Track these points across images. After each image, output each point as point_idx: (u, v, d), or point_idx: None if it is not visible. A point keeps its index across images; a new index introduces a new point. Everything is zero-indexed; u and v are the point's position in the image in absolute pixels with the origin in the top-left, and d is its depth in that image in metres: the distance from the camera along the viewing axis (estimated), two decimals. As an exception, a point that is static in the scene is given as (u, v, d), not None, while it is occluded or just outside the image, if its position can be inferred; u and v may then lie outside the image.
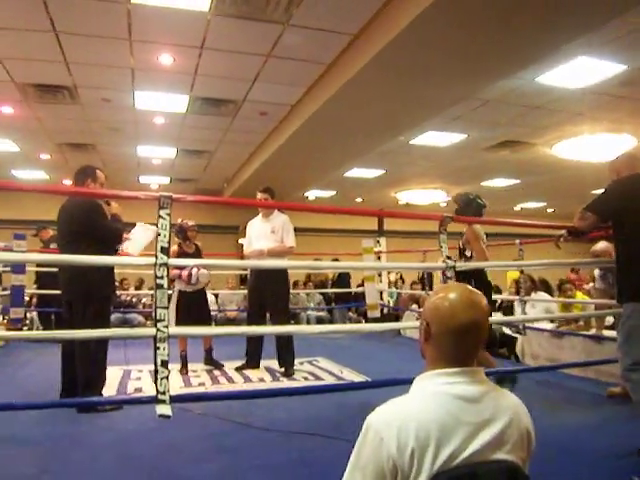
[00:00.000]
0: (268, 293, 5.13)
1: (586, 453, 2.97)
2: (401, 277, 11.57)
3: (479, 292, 1.31)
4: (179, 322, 4.98)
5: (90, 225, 3.80)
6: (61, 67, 6.11)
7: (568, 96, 6.65)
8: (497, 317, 6.11)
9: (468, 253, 4.17)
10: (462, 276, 4.02)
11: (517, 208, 15.87)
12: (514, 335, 6.25)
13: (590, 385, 4.67)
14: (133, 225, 4.07)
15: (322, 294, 10.48)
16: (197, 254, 5.37)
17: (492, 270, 9.91)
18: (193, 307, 5.18)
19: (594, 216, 3.27)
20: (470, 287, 1.32)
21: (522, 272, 6.29)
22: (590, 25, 4.47)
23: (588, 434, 3.32)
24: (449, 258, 3.59)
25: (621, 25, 4.71)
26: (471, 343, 1.27)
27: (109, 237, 3.91)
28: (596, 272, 5.14)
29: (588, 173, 10.28)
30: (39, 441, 3.12)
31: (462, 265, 3.72)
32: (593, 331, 5.26)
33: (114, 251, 3.99)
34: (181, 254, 5.21)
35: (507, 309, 7.32)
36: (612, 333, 4.75)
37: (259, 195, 5.21)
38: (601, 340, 5.04)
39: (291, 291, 8.80)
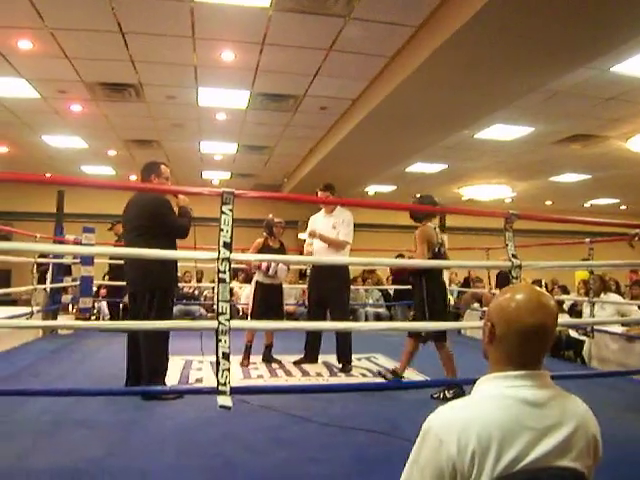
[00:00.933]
0: (327, 289, 5.13)
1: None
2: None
3: (548, 294, 1.28)
4: (255, 313, 5.10)
5: (158, 220, 3.90)
6: (127, 66, 6.32)
7: (645, 86, 6.30)
8: (564, 319, 5.87)
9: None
10: (414, 274, 4.27)
11: (587, 205, 15.24)
12: (581, 338, 5.99)
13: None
14: (201, 219, 4.20)
15: (381, 291, 10.37)
16: (281, 250, 5.45)
17: (560, 270, 9.49)
18: (269, 300, 5.23)
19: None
20: (539, 288, 1.27)
21: (592, 272, 6.01)
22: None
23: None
24: (515, 257, 3.46)
25: None
26: (537, 346, 1.23)
27: (175, 232, 4.00)
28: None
29: (665, 168, 9.75)
30: (106, 425, 3.24)
31: (529, 264, 3.59)
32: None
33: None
34: (265, 247, 5.31)
35: (574, 310, 7.04)
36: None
37: (320, 193, 5.22)
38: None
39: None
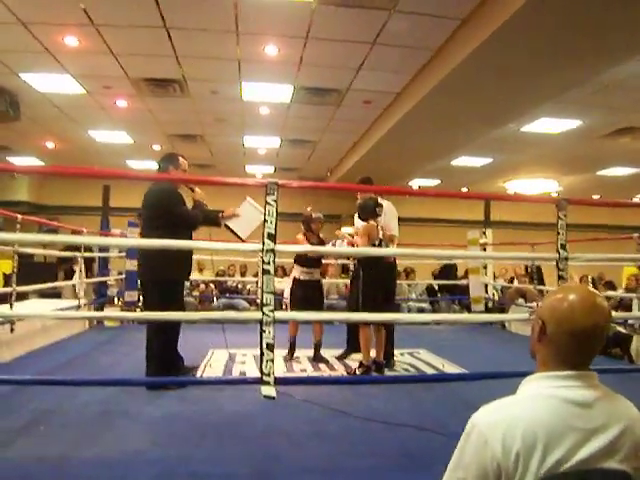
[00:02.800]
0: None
1: None
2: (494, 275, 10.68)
3: (600, 294, 1.25)
4: (292, 309, 4.99)
5: (166, 210, 3.87)
6: (172, 62, 6.43)
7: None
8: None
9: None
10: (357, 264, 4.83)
11: (637, 199, 14.71)
12: (629, 334, 5.80)
13: None
14: (222, 211, 4.10)
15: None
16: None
17: (607, 265, 9.22)
18: (308, 297, 5.03)
19: None
20: (592, 289, 1.25)
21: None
22: None
23: None
24: (563, 247, 3.36)
25: None
26: (588, 347, 1.21)
27: (183, 223, 3.93)
28: None
29: None
30: (150, 417, 3.30)
31: (576, 256, 3.49)
32: None
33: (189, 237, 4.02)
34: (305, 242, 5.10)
35: (622, 304, 6.81)
36: None
37: None
38: None
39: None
